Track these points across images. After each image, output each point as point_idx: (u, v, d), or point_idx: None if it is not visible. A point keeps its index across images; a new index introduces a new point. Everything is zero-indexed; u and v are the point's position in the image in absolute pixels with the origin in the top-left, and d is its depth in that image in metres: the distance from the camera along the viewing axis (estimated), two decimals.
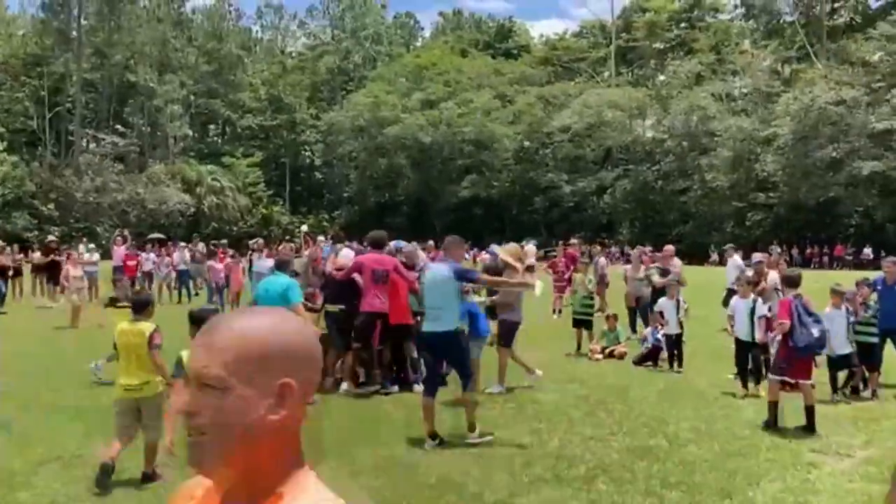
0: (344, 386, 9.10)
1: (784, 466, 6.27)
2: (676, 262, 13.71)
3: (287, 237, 51.51)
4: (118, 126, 62.37)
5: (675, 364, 10.86)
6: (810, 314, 7.57)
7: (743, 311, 9.37)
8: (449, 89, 64.00)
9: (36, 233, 47.96)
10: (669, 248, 13.86)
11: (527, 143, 61.26)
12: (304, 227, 49.36)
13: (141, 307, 5.99)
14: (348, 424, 7.53)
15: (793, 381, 7.62)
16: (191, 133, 66.31)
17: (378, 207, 64.99)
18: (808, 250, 44.01)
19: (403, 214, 64.19)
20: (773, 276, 10.65)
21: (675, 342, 10.96)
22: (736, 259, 16.22)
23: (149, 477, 5.75)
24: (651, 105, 56.69)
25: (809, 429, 7.25)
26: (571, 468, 6.08)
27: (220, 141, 72.60)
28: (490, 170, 60.97)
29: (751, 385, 9.14)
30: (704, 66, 56.01)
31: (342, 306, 9.23)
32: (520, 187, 60.72)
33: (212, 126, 73.56)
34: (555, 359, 11.41)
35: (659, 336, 11.32)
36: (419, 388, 9.16)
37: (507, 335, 9.32)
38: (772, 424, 7.44)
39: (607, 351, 11.96)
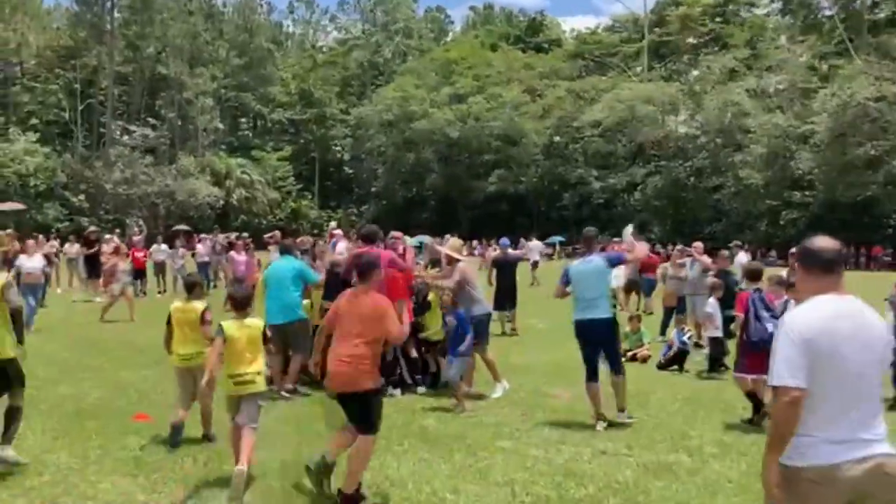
0: None
1: None
2: (742, 256, 12.98)
3: (316, 231, 51.30)
4: (149, 118, 62.79)
5: (718, 367, 10.23)
6: (769, 309, 7.44)
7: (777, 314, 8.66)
8: (478, 84, 63.45)
9: (67, 224, 48.36)
10: (698, 245, 13.13)
11: (556, 139, 60.57)
12: (333, 223, 49.12)
13: (191, 288, 6.79)
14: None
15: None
16: (221, 126, 66.48)
17: (405, 202, 64.73)
18: (844, 251, 42.65)
19: (430, 209, 63.82)
20: None
21: (720, 345, 10.30)
22: (742, 257, 15.43)
23: (207, 438, 6.54)
24: (684, 101, 55.85)
25: (752, 421, 7.38)
26: (579, 487, 5.50)
27: (250, 134, 72.80)
28: (518, 165, 60.38)
29: None
30: (739, 61, 54.87)
31: None
32: (548, 183, 60.07)
33: (242, 120, 73.76)
34: (572, 361, 10.73)
35: (685, 339, 10.64)
36: (422, 389, 8.72)
37: (480, 332, 8.51)
38: (758, 415, 7.40)
39: (629, 354, 11.33)
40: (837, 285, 3.16)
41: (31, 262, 13.62)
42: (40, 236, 21.82)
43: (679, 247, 15.27)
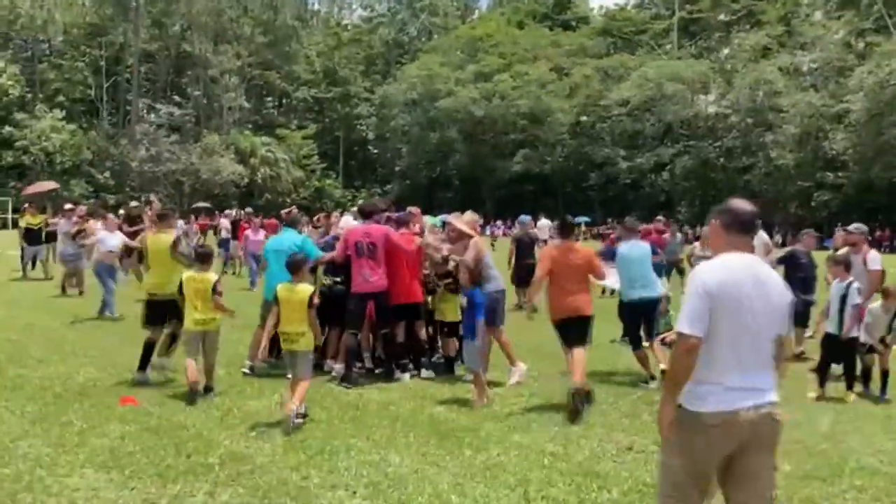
0: (333, 365, 8.07)
1: (876, 498, 4.99)
2: (763, 235, 12.10)
3: (341, 211, 50.95)
4: (175, 96, 62.59)
5: None
6: None
7: (834, 296, 7.87)
8: (504, 61, 62.44)
9: (92, 200, 48.42)
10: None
11: (583, 118, 59.50)
12: (360, 202, 48.70)
13: (204, 259, 7.30)
14: (339, 414, 6.47)
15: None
16: (246, 104, 66.17)
17: (429, 182, 64.19)
18: (878, 233, 41.44)
19: (454, 189, 63.20)
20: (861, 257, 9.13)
21: None
22: (762, 235, 14.44)
23: (209, 389, 7.14)
24: (714, 79, 54.73)
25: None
26: (601, 490, 4.90)
27: (275, 112, 72.44)
28: (544, 145, 59.46)
29: (835, 387, 7.78)
30: (772, 38, 53.51)
31: (338, 278, 8.16)
32: (574, 163, 59.16)
33: (268, 98, 73.41)
34: (598, 345, 10.06)
35: None
36: (427, 373, 8.16)
37: (494, 310, 7.87)
38: None
39: (659, 338, 10.66)
40: (748, 246, 3.41)
41: (113, 240, 12.40)
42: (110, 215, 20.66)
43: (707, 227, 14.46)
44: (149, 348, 7.60)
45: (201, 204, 38.92)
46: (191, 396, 6.86)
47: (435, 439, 5.87)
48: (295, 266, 6.49)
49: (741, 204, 3.44)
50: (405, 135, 66.81)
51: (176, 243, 7.82)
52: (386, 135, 69.89)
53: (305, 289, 6.44)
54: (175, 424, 6.13)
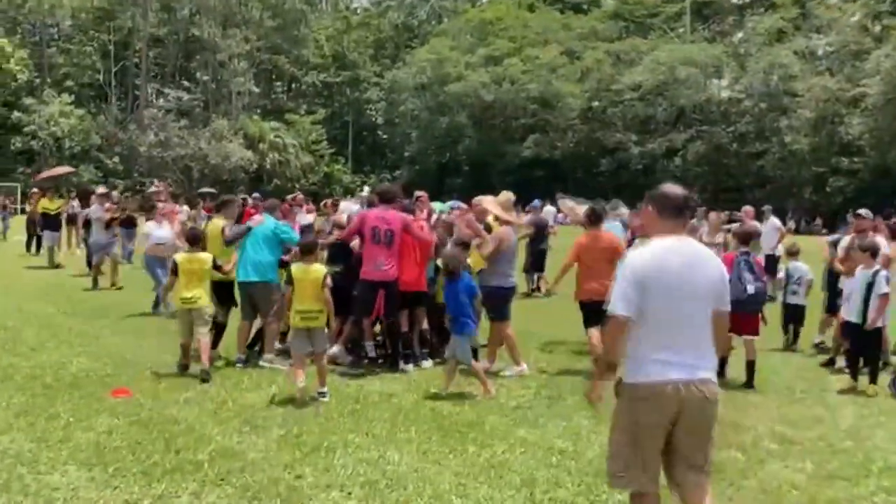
0: (334, 349, 7.80)
1: None
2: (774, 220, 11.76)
3: (349, 196, 50.70)
4: (183, 81, 62.32)
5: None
6: (753, 272, 7.61)
7: (859, 284, 7.55)
8: (514, 45, 61.76)
9: (101, 186, 48.37)
10: (749, 209, 12.02)
11: (594, 103, 58.85)
12: (367, 189, 48.36)
13: (195, 240, 7.51)
14: (338, 407, 6.20)
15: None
16: (255, 89, 65.86)
17: (438, 167, 63.67)
18: (895, 219, 40.80)
19: (464, 175, 62.66)
20: (882, 242, 8.77)
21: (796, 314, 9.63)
22: (774, 221, 14.10)
23: (206, 378, 7.07)
24: (728, 63, 53.78)
25: (748, 385, 7.37)
26: (612, 490, 4.61)
27: (284, 97, 72.08)
28: (554, 129, 58.81)
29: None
30: (787, 21, 52.52)
31: (338, 268, 7.85)
32: (585, 148, 58.47)
33: (277, 83, 73.04)
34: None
35: None
36: (426, 363, 7.90)
37: (497, 307, 7.68)
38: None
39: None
40: (681, 228, 3.52)
41: (161, 232, 11.44)
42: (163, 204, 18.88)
43: (723, 212, 14.06)
44: (221, 330, 8.10)
45: (206, 189, 38.63)
46: (181, 369, 7.34)
47: (437, 435, 5.59)
48: (307, 248, 6.87)
49: (673, 189, 3.57)
50: (414, 119, 66.30)
51: (223, 230, 8.05)
52: (395, 119, 69.41)
53: (319, 269, 6.77)
54: (166, 418, 5.87)
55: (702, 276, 3.42)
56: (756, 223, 11.59)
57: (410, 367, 7.68)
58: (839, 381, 7.70)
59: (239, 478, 4.67)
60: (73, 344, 8.60)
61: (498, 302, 7.64)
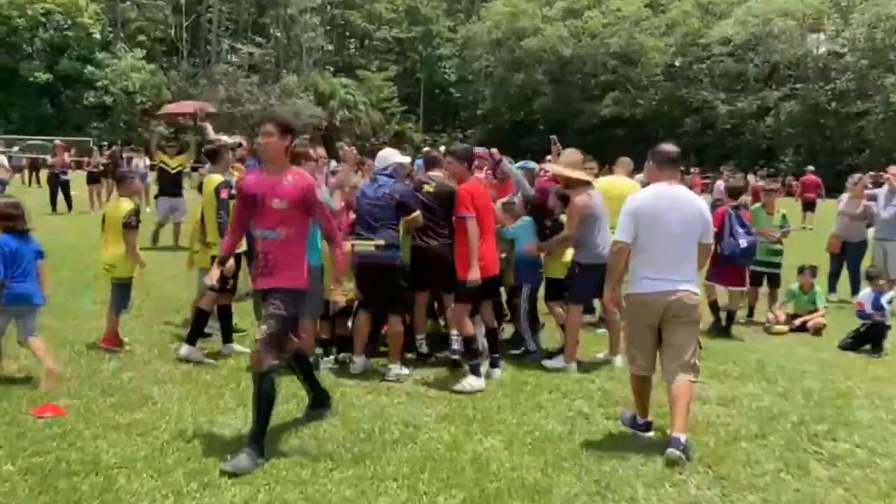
0: (394, 370, 6.15)
1: None
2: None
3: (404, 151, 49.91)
4: (255, 36, 61.97)
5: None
6: (744, 226, 7.74)
7: None
8: None
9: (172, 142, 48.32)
10: (894, 169, 9.95)
11: (680, 58, 55.92)
12: (442, 147, 46.99)
13: (119, 181, 6.98)
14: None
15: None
16: (325, 45, 65.03)
17: (512, 126, 61.84)
18: None
19: (538, 134, 60.48)
20: None
21: None
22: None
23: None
24: (829, 15, 50.41)
25: (726, 330, 7.91)
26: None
27: (356, 53, 71.15)
28: (636, 87, 56.25)
29: None
30: None
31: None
32: (668, 107, 55.86)
33: (349, 39, 72.17)
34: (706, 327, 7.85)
35: (885, 303, 7.58)
36: (498, 373, 6.37)
37: (581, 287, 6.28)
38: (719, 327, 8.08)
39: (798, 321, 8.41)
40: (674, 177, 4.71)
41: None
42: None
43: (862, 175, 11.94)
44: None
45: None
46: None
47: (429, 479, 3.89)
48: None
49: (668, 146, 4.82)
50: (488, 77, 64.56)
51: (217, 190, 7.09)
52: (468, 77, 67.80)
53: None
54: (85, 457, 4.22)
55: (681, 212, 4.55)
56: None
57: (405, 371, 6.09)
58: None
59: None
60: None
61: (588, 280, 6.20)
